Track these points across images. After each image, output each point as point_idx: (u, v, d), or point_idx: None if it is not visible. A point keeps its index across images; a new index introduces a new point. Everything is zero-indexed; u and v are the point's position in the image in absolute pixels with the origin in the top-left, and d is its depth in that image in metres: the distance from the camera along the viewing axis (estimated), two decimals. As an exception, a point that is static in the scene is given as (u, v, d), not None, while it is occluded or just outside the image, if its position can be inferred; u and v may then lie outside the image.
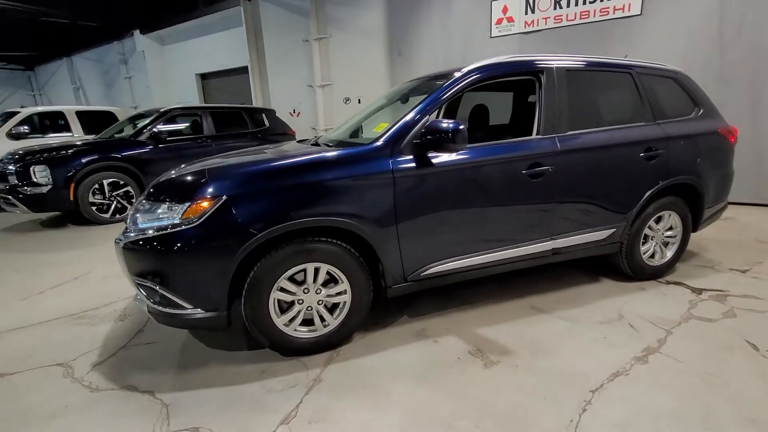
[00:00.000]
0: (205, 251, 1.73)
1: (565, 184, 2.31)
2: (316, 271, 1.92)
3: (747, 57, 4.40)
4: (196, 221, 1.72)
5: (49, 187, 4.52)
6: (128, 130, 5.51)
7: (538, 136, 2.29)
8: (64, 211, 4.89)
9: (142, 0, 10.62)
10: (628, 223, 2.55)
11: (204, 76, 10.84)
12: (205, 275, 1.75)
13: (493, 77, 2.24)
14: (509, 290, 2.64)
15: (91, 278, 3.21)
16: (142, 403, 1.74)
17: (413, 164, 1.99)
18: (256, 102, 9.16)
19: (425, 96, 2.13)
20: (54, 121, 7.38)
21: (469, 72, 2.20)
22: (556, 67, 2.36)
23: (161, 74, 11.26)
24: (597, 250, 2.57)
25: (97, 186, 4.76)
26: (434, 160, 2.02)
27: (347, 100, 7.87)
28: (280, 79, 8.75)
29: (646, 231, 2.68)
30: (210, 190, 1.77)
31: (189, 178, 1.91)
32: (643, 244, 2.70)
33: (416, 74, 5.51)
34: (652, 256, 2.76)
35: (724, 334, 2.12)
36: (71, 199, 4.61)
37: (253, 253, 1.79)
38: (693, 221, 2.82)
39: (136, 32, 11.10)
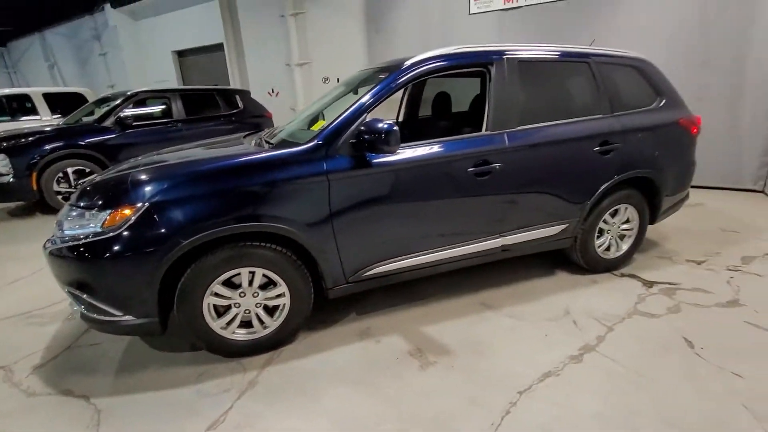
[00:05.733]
0: (128, 260, 1.68)
1: (514, 182, 2.26)
2: (252, 274, 1.89)
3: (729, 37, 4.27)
4: (118, 230, 1.67)
5: (10, 176, 4.41)
6: (98, 113, 5.32)
7: (487, 132, 2.22)
8: (29, 200, 4.78)
9: (112, -29, 10.06)
10: (581, 218, 2.53)
11: (180, 54, 10.43)
12: (131, 284, 1.72)
13: (436, 71, 2.14)
14: (461, 285, 2.64)
15: (47, 273, 3.16)
16: (76, 409, 1.75)
17: (350, 165, 1.92)
18: (234, 81, 8.87)
19: (366, 90, 2.04)
20: (21, 104, 7.14)
21: (411, 66, 2.10)
22: (507, 58, 2.26)
23: (136, 51, 10.81)
24: (549, 246, 2.56)
25: (61, 174, 4.64)
26: (374, 160, 1.95)
27: (326, 79, 7.63)
28: (258, 57, 8.44)
29: (601, 225, 2.66)
30: (131, 197, 1.70)
31: (111, 183, 1.84)
32: (598, 237, 2.68)
33: (394, 53, 5.29)
34: (608, 249, 2.76)
35: (664, 330, 2.14)
36: (34, 188, 4.50)
37: (182, 259, 1.75)
38: (651, 213, 2.80)
39: (107, 6, 10.57)
